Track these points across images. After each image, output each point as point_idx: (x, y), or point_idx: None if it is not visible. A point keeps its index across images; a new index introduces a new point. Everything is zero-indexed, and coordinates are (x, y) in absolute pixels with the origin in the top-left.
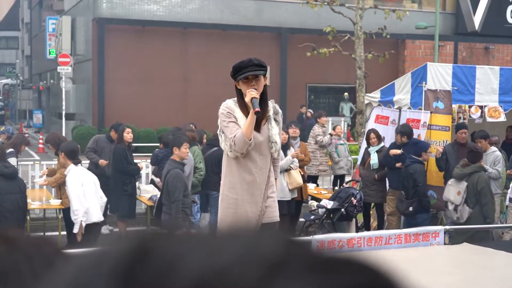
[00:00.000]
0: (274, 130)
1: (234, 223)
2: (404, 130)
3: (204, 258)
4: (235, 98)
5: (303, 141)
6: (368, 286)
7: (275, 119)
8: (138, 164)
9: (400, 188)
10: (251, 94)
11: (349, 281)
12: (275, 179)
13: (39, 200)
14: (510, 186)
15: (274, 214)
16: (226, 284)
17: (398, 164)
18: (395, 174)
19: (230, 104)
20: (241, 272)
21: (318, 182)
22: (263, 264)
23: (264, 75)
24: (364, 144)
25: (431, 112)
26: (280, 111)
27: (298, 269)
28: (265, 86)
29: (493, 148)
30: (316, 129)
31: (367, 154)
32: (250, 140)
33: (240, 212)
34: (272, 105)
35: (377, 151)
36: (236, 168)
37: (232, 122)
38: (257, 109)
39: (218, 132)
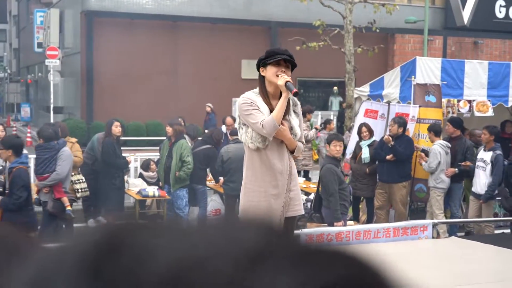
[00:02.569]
0: (294, 122)
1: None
2: (402, 121)
3: (178, 250)
4: (254, 90)
5: None
6: (354, 279)
7: (294, 111)
8: (127, 158)
9: (389, 181)
10: (285, 77)
11: (333, 274)
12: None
13: None
14: (473, 181)
15: (298, 208)
16: (201, 277)
17: (388, 157)
18: (385, 168)
19: (250, 95)
20: (220, 264)
21: (309, 176)
22: (242, 256)
23: (292, 70)
24: (354, 138)
25: (419, 106)
26: (298, 103)
27: (279, 262)
28: None
29: (437, 142)
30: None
31: (358, 148)
32: (279, 125)
33: (263, 204)
34: (290, 97)
35: (368, 145)
36: (258, 161)
37: (255, 110)
38: (295, 90)
39: (237, 125)
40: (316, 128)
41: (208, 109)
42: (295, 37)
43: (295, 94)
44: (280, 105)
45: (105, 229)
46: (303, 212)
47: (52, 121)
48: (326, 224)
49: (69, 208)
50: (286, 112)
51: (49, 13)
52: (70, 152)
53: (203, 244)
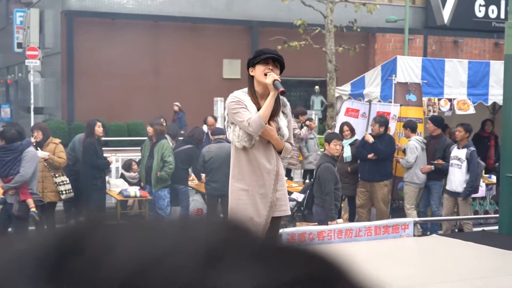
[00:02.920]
0: (282, 123)
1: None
2: (384, 120)
3: (137, 248)
4: (244, 89)
5: None
6: (315, 276)
7: (283, 112)
8: (108, 158)
9: (371, 180)
10: (273, 76)
11: (295, 271)
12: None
13: None
14: (448, 180)
15: (284, 208)
16: (159, 275)
17: (370, 156)
18: (366, 166)
19: (238, 94)
20: (178, 261)
21: (291, 175)
22: (201, 254)
23: (281, 71)
24: None
25: (400, 105)
26: (287, 104)
27: (239, 258)
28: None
29: (413, 138)
30: (294, 124)
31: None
32: (266, 124)
33: (250, 203)
34: (280, 97)
35: (350, 144)
36: (245, 160)
37: (243, 109)
38: (282, 89)
39: (225, 124)
40: (307, 125)
41: (176, 108)
42: (277, 36)
43: (282, 93)
44: (267, 103)
45: (64, 229)
46: (289, 212)
47: (32, 121)
48: (316, 223)
49: (33, 209)
50: (275, 113)
51: (29, 13)
52: (35, 152)
53: (161, 242)
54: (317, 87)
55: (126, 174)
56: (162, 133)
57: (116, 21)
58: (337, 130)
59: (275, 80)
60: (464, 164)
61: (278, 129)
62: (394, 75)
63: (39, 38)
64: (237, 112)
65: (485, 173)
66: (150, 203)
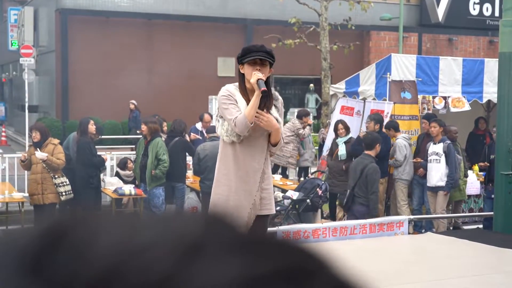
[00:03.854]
0: (274, 116)
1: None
2: (378, 118)
3: (116, 242)
4: (236, 83)
5: None
6: (294, 268)
7: (275, 105)
8: (103, 156)
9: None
10: (257, 75)
11: (274, 263)
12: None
13: (1, 193)
14: (427, 177)
15: (269, 207)
16: (138, 267)
17: None
18: None
19: (230, 88)
20: (157, 254)
21: (286, 173)
22: (181, 245)
23: (271, 65)
24: (331, 135)
25: (394, 103)
26: (279, 97)
27: (218, 251)
28: (269, 78)
29: (399, 136)
30: (297, 124)
31: (335, 145)
32: (252, 123)
33: (232, 199)
34: (272, 91)
35: (345, 142)
36: (232, 155)
37: (233, 105)
38: (264, 88)
39: (215, 117)
40: (309, 124)
41: (132, 106)
42: (271, 34)
43: (264, 92)
44: (251, 103)
45: (44, 224)
46: (274, 211)
47: (27, 120)
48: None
49: None
50: (268, 107)
51: (23, 11)
52: None
53: (141, 235)
54: (311, 85)
55: (121, 172)
56: (156, 131)
57: (110, 19)
58: (331, 128)
59: (259, 79)
60: (443, 158)
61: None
62: (388, 73)
63: (33, 36)
64: (227, 108)
65: (480, 171)
66: (145, 201)
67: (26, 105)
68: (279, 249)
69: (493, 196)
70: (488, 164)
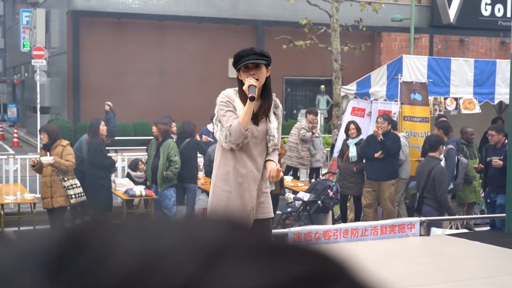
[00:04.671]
0: (273, 124)
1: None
2: (390, 118)
3: (138, 246)
4: (236, 88)
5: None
6: (316, 274)
7: (274, 113)
8: (113, 157)
9: (378, 179)
10: (249, 81)
11: (296, 269)
12: (273, 161)
13: (13, 194)
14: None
15: (268, 210)
16: (161, 273)
17: (377, 154)
18: (373, 166)
19: (230, 93)
20: (179, 259)
21: (298, 175)
22: (203, 251)
23: (267, 65)
24: (342, 136)
25: (402, 103)
26: (280, 105)
27: (241, 256)
28: (268, 78)
29: (400, 135)
30: (304, 123)
31: (345, 146)
32: (247, 130)
33: (231, 205)
34: (273, 98)
35: (356, 144)
36: (231, 160)
37: (230, 111)
38: (252, 94)
39: (214, 121)
40: (313, 133)
41: (107, 108)
42: (282, 35)
43: (251, 99)
44: (245, 110)
45: (66, 228)
46: (272, 215)
47: (39, 121)
48: None
49: None
50: (266, 110)
51: (35, 13)
52: None
53: (164, 241)
54: (322, 86)
55: (132, 173)
56: (167, 132)
57: (122, 21)
58: (343, 129)
59: (250, 85)
60: (442, 162)
61: (267, 130)
62: (400, 74)
63: (45, 38)
64: (224, 115)
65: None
66: (156, 202)
67: (38, 106)
68: (301, 254)
69: (488, 200)
70: (483, 166)
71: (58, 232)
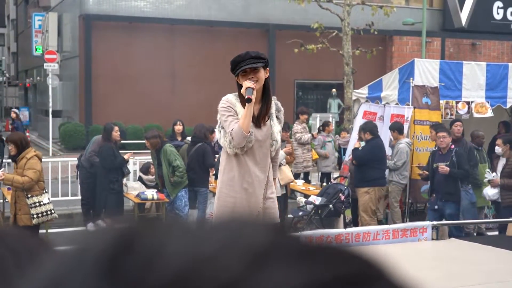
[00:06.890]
0: (276, 128)
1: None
2: (366, 127)
3: (187, 248)
4: (236, 93)
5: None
6: (356, 274)
7: (277, 117)
8: (125, 156)
9: (355, 186)
10: (246, 84)
11: (337, 270)
12: (274, 179)
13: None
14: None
15: (274, 216)
16: (210, 274)
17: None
18: (353, 172)
19: (230, 98)
20: (226, 261)
21: (309, 179)
22: (248, 253)
23: (265, 67)
24: (353, 140)
25: (414, 107)
26: (282, 108)
27: (284, 258)
28: (267, 79)
29: (401, 140)
30: (295, 126)
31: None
32: (248, 133)
33: (237, 211)
34: (274, 102)
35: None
36: (236, 166)
37: (232, 116)
38: (249, 96)
39: (217, 127)
40: (312, 135)
41: (13, 115)
42: (293, 39)
43: (247, 100)
44: (244, 113)
45: (115, 230)
46: (278, 220)
47: (51, 124)
48: None
49: None
50: (266, 113)
51: (47, 17)
52: None
53: (210, 243)
54: (334, 90)
55: (144, 177)
56: (157, 145)
57: (133, 25)
58: (355, 133)
59: (247, 87)
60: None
61: (271, 134)
62: (411, 78)
63: (57, 42)
64: (225, 121)
65: None
66: (168, 205)
67: (50, 110)
68: (340, 255)
69: (436, 207)
70: (427, 173)
71: (110, 234)
